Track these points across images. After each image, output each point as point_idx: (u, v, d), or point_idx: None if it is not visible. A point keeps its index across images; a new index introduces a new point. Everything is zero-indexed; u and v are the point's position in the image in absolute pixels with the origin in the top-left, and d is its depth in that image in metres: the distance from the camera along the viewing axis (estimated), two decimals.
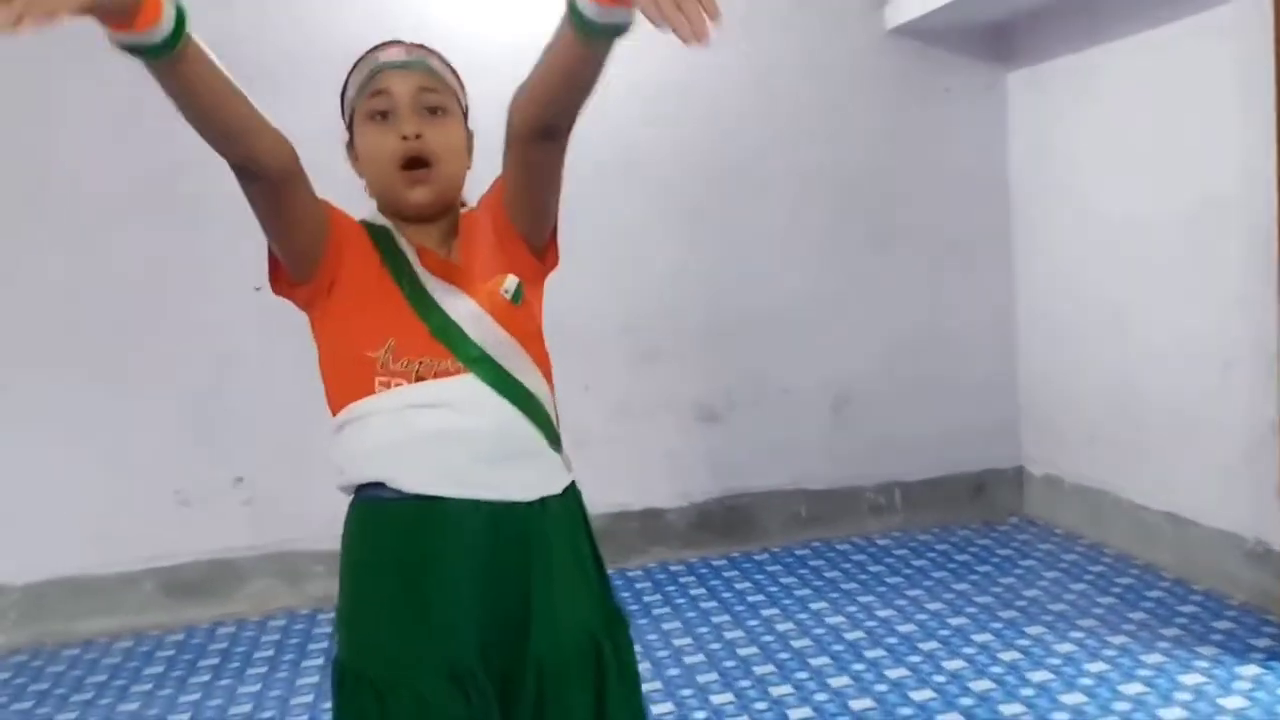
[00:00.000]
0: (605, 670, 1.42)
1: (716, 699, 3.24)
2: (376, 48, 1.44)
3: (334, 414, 1.40)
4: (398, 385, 1.33)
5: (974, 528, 4.75)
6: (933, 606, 3.87)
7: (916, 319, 4.76)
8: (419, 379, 1.33)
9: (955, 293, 4.80)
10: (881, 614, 3.83)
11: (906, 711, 3.08)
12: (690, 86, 4.46)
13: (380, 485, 1.36)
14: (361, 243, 1.40)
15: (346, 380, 1.37)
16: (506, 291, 1.39)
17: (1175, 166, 3.86)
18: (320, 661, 3.76)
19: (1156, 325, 4.00)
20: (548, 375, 1.43)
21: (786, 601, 4.02)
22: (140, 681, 3.70)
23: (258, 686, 3.60)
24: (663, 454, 4.56)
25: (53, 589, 4.12)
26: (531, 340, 1.41)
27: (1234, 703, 2.98)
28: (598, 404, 4.44)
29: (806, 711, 3.13)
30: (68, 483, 4.10)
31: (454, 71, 1.46)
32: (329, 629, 4.05)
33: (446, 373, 1.34)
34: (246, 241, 4.37)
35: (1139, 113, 4.03)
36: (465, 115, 1.46)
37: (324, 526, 4.26)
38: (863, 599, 3.99)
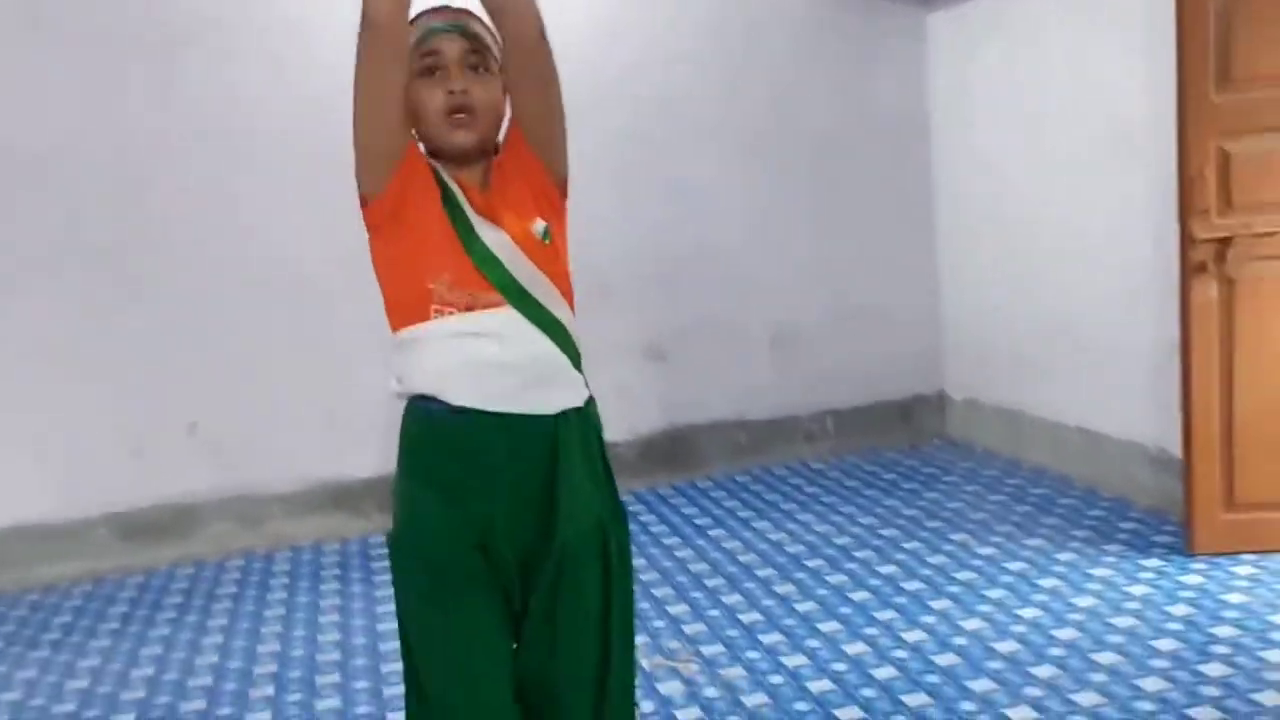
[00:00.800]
0: (610, 553, 1.68)
1: (672, 609, 3.46)
2: (427, 12, 1.62)
3: (393, 330, 1.60)
4: (450, 313, 1.54)
5: (901, 449, 5.04)
6: (865, 520, 4.14)
7: (846, 255, 5.00)
8: (468, 309, 1.54)
9: (883, 231, 5.05)
10: (819, 529, 4.09)
11: (846, 610, 3.34)
12: (635, 38, 4.61)
13: (432, 397, 1.58)
14: (427, 178, 1.57)
15: (406, 303, 1.57)
16: (537, 231, 1.59)
17: (1085, 103, 4.12)
18: (284, 596, 3.89)
19: (1071, 252, 4.28)
20: (572, 305, 1.65)
21: (731, 523, 4.26)
22: (107, 621, 3.79)
23: (224, 621, 3.71)
24: (612, 390, 4.72)
25: (9, 535, 4.16)
26: (559, 276, 1.62)
27: (1139, 590, 3.30)
28: None
29: (755, 615, 3.37)
30: (21, 432, 4.14)
31: (492, 33, 1.61)
32: (289, 569, 4.18)
33: (491, 305, 1.55)
34: (199, 193, 4.41)
35: (1052, 51, 4.28)
36: (500, 71, 1.63)
37: (279, 470, 4.43)
38: (801, 517, 4.25)
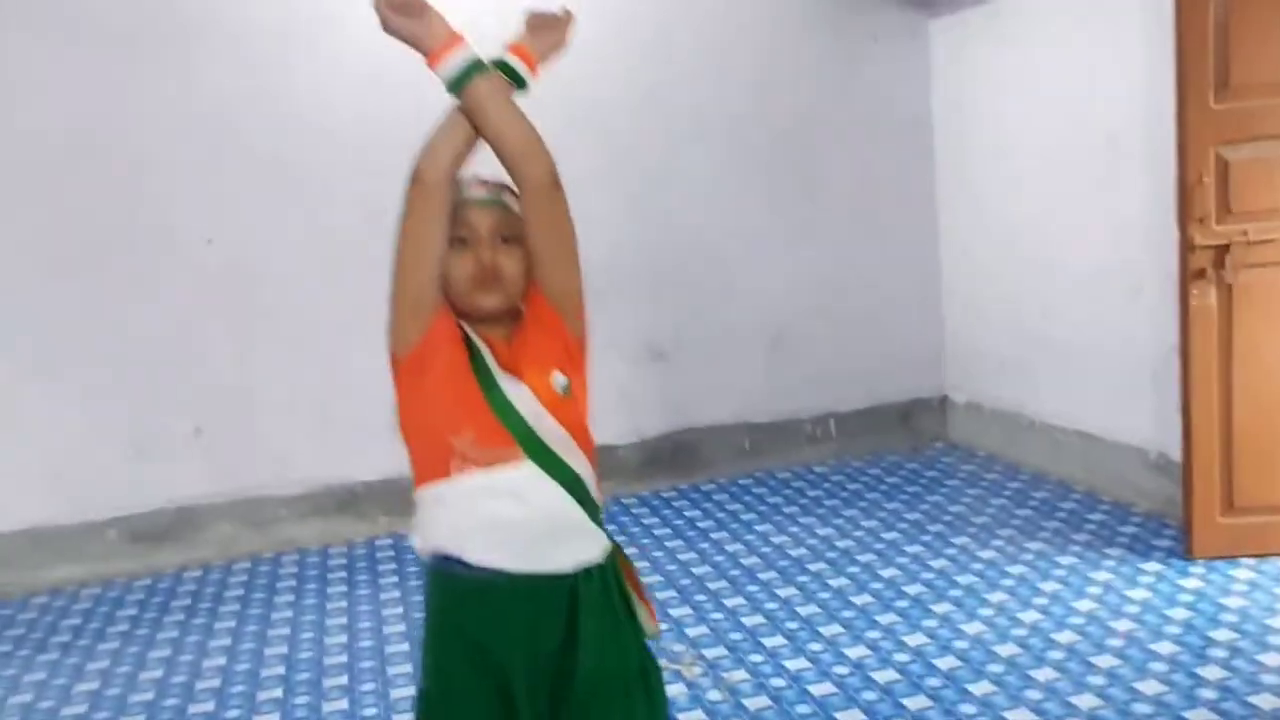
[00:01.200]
0: (635, 702, 1.67)
1: (675, 612, 3.49)
2: (465, 184, 1.65)
3: (416, 485, 1.63)
4: (470, 470, 1.57)
5: (902, 453, 5.07)
6: (867, 524, 4.17)
7: (847, 258, 5.03)
8: (489, 465, 1.56)
9: (883, 233, 5.08)
10: (821, 532, 4.12)
11: (848, 614, 3.37)
12: (628, 39, 4.63)
13: (453, 557, 1.60)
14: (454, 335, 1.61)
15: (429, 459, 1.60)
16: (557, 385, 1.61)
17: (1084, 105, 4.15)
18: (290, 599, 3.92)
19: (1070, 258, 4.31)
20: (592, 459, 1.66)
21: (734, 526, 4.28)
22: (115, 625, 3.82)
23: (231, 624, 3.74)
24: (614, 393, 4.77)
25: (17, 539, 4.20)
26: (579, 430, 1.64)
27: (1139, 594, 3.33)
28: None
29: (759, 619, 3.40)
30: (28, 436, 4.17)
31: (517, 199, 1.66)
32: (295, 571, 4.21)
33: (511, 460, 1.57)
34: (200, 195, 4.44)
35: (1051, 55, 4.31)
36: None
37: (283, 472, 4.45)
38: (803, 520, 4.28)
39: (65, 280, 4.16)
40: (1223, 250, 3.36)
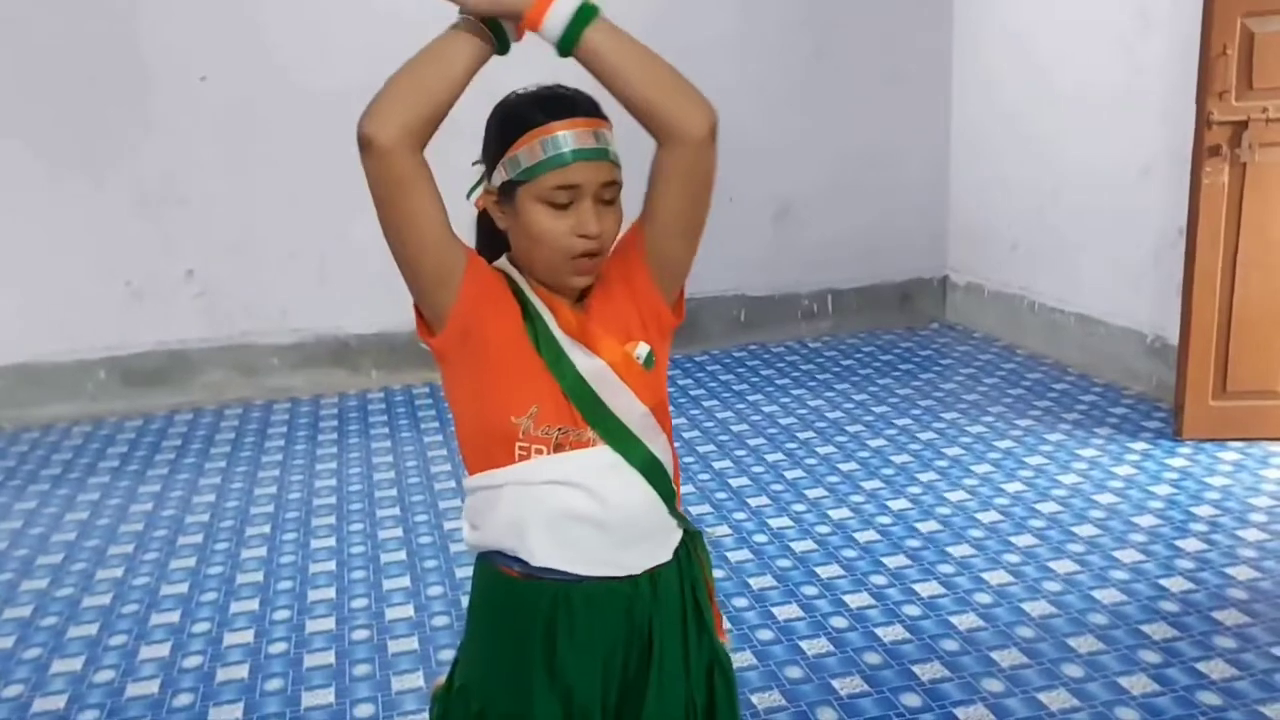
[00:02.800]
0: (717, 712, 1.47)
1: None
2: (552, 112, 1.29)
3: (471, 473, 1.38)
4: (537, 454, 1.32)
5: (899, 331, 5.05)
6: (858, 398, 4.17)
7: (857, 134, 4.91)
8: (558, 448, 1.31)
9: (895, 110, 4.94)
10: (812, 403, 4.12)
11: (834, 479, 3.39)
12: None
13: (510, 554, 1.36)
14: (504, 298, 1.33)
15: (487, 443, 1.34)
16: (639, 357, 1.35)
17: None
18: (281, 444, 3.94)
19: (1082, 137, 4.20)
20: (671, 438, 1.42)
21: (725, 395, 4.28)
22: (105, 461, 3.84)
23: (222, 465, 3.76)
24: None
25: (8, 374, 4.20)
26: (661, 407, 1.39)
27: (1124, 470, 3.34)
28: None
29: (745, 480, 3.42)
30: (23, 271, 4.13)
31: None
32: (286, 419, 4.21)
33: (583, 443, 1.32)
34: (193, 31, 4.30)
35: None
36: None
37: (277, 321, 4.43)
38: (795, 392, 4.28)
39: (63, 116, 4.06)
40: (1240, 127, 3.27)
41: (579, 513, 1.32)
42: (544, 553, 1.33)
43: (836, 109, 4.85)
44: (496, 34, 1.23)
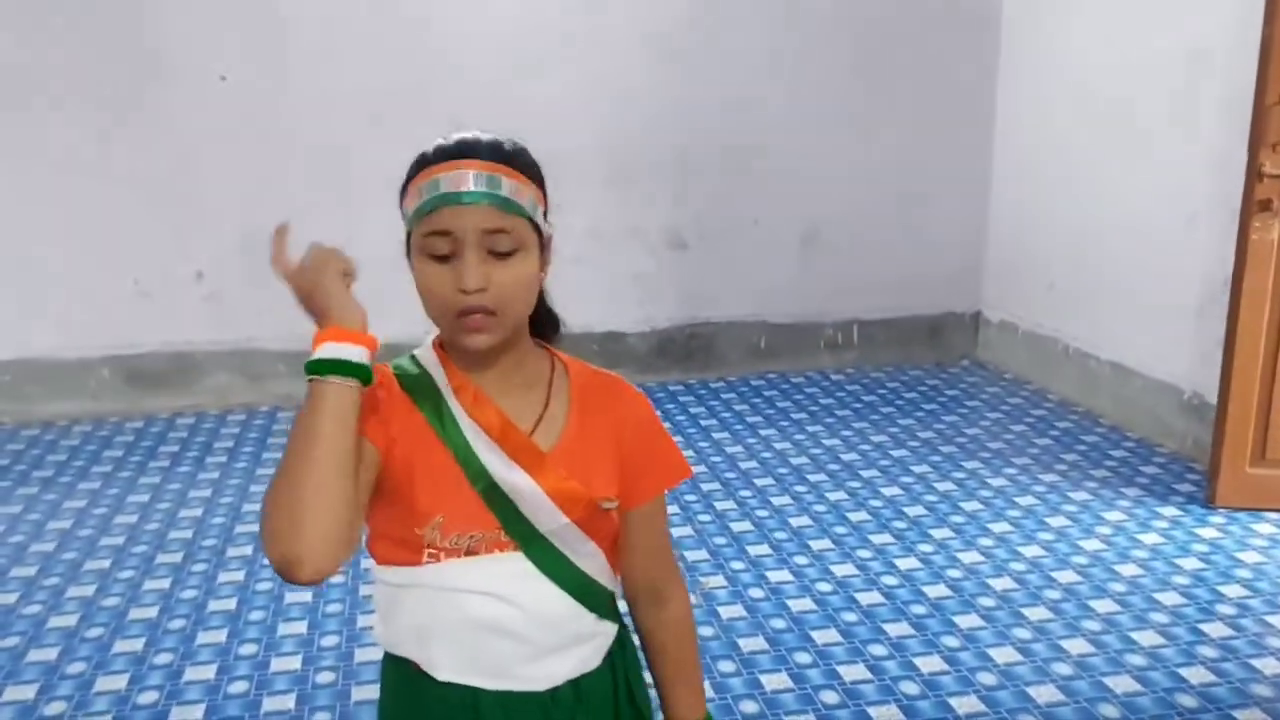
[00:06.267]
0: None
1: None
2: (444, 156, 1.14)
3: (376, 562, 1.23)
4: (448, 559, 1.17)
5: (926, 367, 4.86)
6: (877, 439, 3.99)
7: (893, 159, 4.72)
8: (469, 553, 1.17)
9: (934, 137, 4.75)
10: (827, 442, 3.96)
11: (841, 530, 3.23)
12: None
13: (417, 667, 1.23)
14: (402, 400, 1.19)
15: (393, 547, 1.20)
16: (604, 504, 1.21)
17: (1164, 17, 3.79)
18: (282, 454, 3.83)
19: (1130, 178, 4.00)
20: (610, 547, 1.26)
21: (737, 427, 4.13)
22: (99, 464, 3.77)
23: (216, 474, 3.68)
24: (629, 278, 4.58)
25: (10, 368, 4.14)
26: (603, 534, 1.23)
27: (1150, 539, 3.15)
28: (567, 225, 4.40)
29: (747, 525, 3.26)
30: (30, 266, 4.07)
31: (533, 173, 1.17)
32: (289, 426, 4.11)
33: (498, 547, 1.17)
34: (214, 30, 4.21)
35: None
36: (545, 216, 1.19)
37: (285, 327, 4.33)
38: (811, 428, 4.11)
39: (75, 113, 4.00)
40: None
41: (491, 623, 1.18)
42: (449, 667, 1.19)
43: (872, 131, 4.67)
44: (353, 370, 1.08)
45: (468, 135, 1.17)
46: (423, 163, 1.16)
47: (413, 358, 1.24)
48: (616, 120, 4.41)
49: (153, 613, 2.75)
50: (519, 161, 1.16)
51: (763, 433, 4.06)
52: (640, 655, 1.34)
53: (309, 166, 4.18)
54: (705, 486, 3.56)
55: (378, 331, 1.13)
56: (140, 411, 4.26)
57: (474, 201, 1.11)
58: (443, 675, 1.19)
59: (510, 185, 1.14)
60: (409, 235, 1.17)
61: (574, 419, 1.22)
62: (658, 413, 1.33)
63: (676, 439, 3.89)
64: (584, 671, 1.24)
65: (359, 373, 1.08)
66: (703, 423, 4.17)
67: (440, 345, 1.23)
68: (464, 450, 1.16)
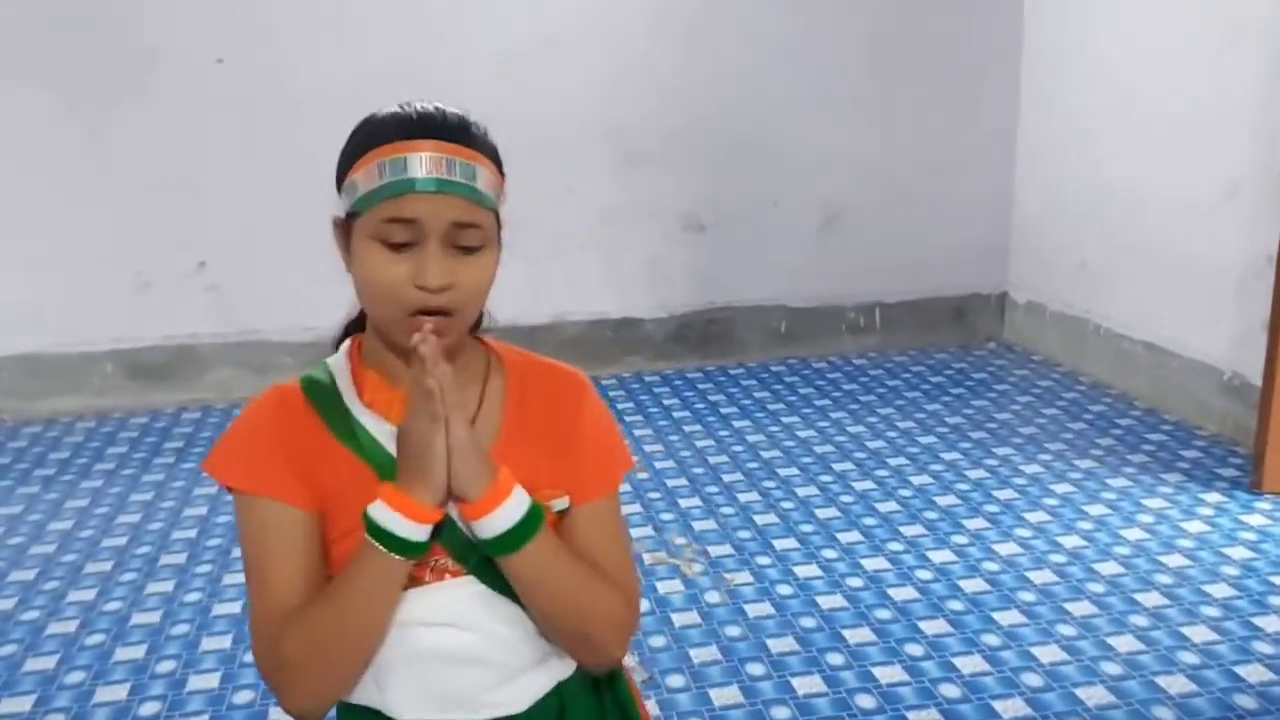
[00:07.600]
0: None
1: (684, 502, 3.24)
2: (407, 131, 1.01)
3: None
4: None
5: (951, 351, 4.71)
6: (904, 425, 3.86)
7: (915, 137, 4.56)
8: (415, 582, 1.07)
9: (958, 113, 4.59)
10: (852, 430, 3.82)
11: (870, 521, 3.09)
12: None
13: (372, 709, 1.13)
14: (311, 430, 1.08)
15: (337, 567, 1.09)
16: (554, 508, 1.11)
17: None
18: None
19: (1163, 151, 3.84)
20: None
21: (759, 414, 3.99)
22: (102, 462, 3.67)
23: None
24: (645, 262, 4.44)
25: (12, 364, 4.04)
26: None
27: (1195, 527, 3.00)
28: (580, 208, 4.29)
29: (772, 518, 3.13)
30: (31, 260, 3.96)
31: (497, 158, 1.06)
32: None
33: (445, 572, 1.08)
34: (211, 13, 4.08)
35: None
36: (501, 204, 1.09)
37: (289, 318, 4.21)
38: (834, 415, 3.97)
39: (72, 104, 3.88)
40: None
41: (450, 653, 1.08)
42: (413, 707, 1.09)
43: (893, 109, 4.51)
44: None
45: (428, 106, 1.04)
46: (379, 134, 1.02)
47: (325, 366, 1.12)
48: (629, 101, 4.26)
49: (155, 618, 2.65)
50: (487, 146, 1.05)
51: (785, 420, 3.92)
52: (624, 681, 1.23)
53: (311, 151, 4.05)
54: (727, 478, 3.42)
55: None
56: (144, 406, 4.15)
57: (449, 191, 1.00)
58: (407, 716, 1.09)
59: (485, 176, 1.03)
60: (351, 214, 1.04)
61: (511, 415, 1.12)
62: (603, 400, 1.21)
63: (694, 427, 3.81)
64: (561, 679, 1.15)
65: (411, 550, 1.02)
66: (723, 411, 4.04)
67: (359, 347, 1.12)
68: (389, 469, 1.04)
